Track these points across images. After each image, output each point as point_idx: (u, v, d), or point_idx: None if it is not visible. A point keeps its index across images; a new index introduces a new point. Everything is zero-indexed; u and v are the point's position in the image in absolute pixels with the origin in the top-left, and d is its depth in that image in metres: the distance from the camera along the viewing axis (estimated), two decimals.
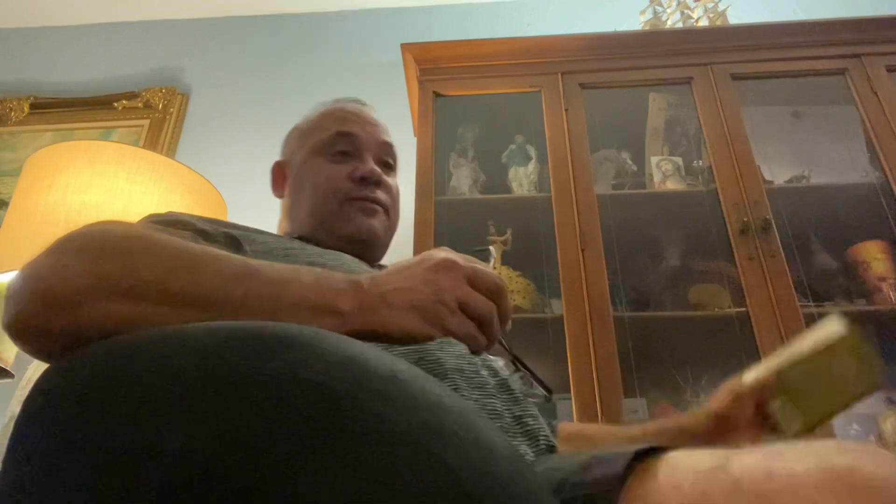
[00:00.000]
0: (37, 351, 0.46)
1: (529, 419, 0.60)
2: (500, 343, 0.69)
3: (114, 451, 0.33)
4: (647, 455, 0.43)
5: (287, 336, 0.38)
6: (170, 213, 0.71)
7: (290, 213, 0.93)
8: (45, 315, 0.44)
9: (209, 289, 0.47)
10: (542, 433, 0.60)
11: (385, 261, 0.99)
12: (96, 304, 0.44)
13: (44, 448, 0.36)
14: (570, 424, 0.84)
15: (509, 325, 0.56)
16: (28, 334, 0.46)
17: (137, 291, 0.45)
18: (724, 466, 0.37)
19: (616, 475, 0.42)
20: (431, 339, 0.51)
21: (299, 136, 0.96)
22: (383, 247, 0.91)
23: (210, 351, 0.36)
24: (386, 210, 0.89)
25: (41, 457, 0.36)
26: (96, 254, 0.48)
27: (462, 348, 0.65)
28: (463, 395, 0.58)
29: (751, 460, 0.37)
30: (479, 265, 0.55)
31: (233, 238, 0.70)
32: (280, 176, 0.97)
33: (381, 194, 0.88)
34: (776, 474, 0.35)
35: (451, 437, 0.34)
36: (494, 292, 0.53)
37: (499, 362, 0.73)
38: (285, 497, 0.31)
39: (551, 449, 0.60)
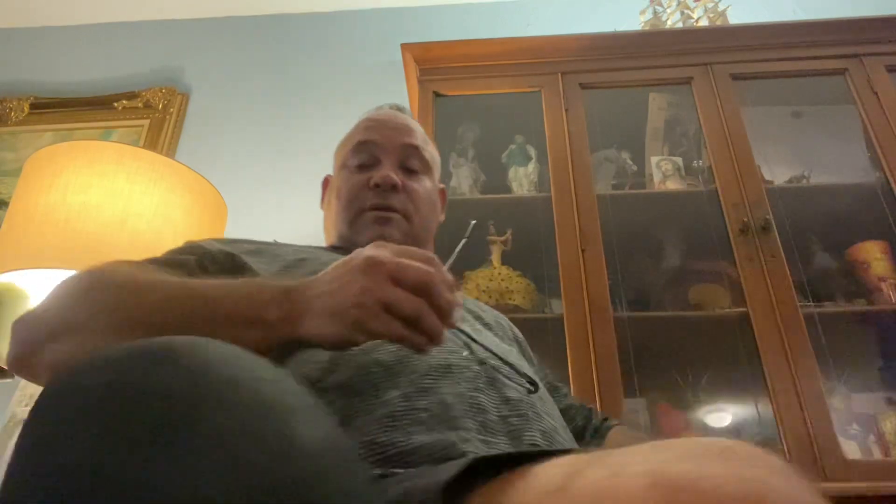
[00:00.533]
0: (37, 382, 0.60)
1: (515, 419, 0.59)
2: (471, 337, 0.68)
3: (28, 469, 0.37)
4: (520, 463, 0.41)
5: (155, 349, 0.40)
6: (186, 243, 0.79)
7: (327, 224, 0.96)
8: (26, 358, 0.59)
9: (151, 314, 0.55)
10: (527, 433, 0.59)
11: None
12: (62, 342, 0.56)
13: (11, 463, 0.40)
14: (622, 434, 0.82)
15: (458, 317, 0.54)
16: (22, 373, 0.61)
17: (91, 327, 0.55)
18: (566, 488, 0.35)
19: (437, 487, 0.39)
20: (355, 343, 0.52)
21: (337, 149, 0.99)
22: None
23: (113, 369, 0.40)
24: (407, 216, 0.87)
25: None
26: (68, 301, 0.60)
27: (450, 346, 0.65)
28: (444, 390, 0.58)
29: (594, 476, 0.34)
30: (405, 259, 0.53)
31: (228, 254, 0.75)
32: (325, 189, 1.02)
33: (396, 200, 0.87)
34: (607, 494, 0.32)
35: (257, 439, 0.36)
36: (421, 287, 0.52)
37: (512, 356, 0.72)
38: None
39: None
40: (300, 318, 0.53)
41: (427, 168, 0.94)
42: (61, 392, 0.40)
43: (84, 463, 0.35)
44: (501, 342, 0.77)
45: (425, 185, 0.92)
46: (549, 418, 0.64)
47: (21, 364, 0.61)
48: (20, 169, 1.37)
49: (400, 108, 1.00)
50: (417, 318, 0.51)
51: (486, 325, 0.80)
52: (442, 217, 1.01)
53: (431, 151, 0.98)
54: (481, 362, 0.65)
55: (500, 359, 0.66)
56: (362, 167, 0.91)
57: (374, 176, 0.87)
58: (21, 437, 0.41)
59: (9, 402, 1.29)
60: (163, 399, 0.37)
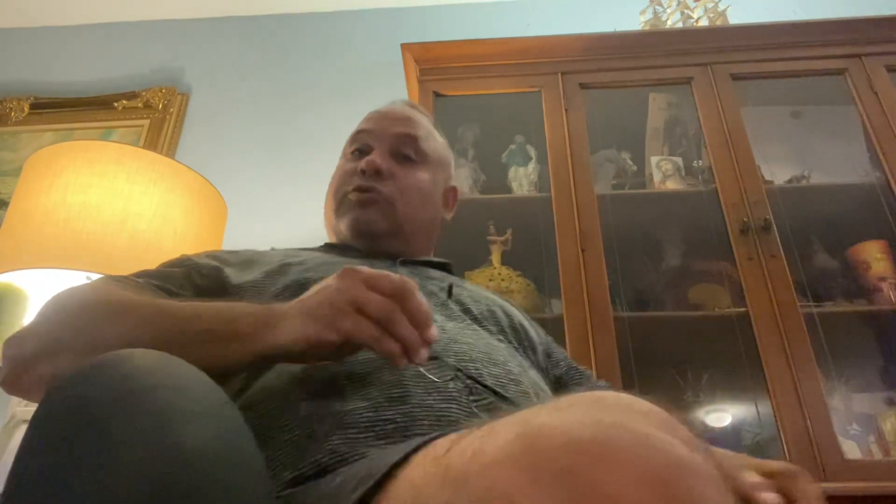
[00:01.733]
0: (28, 399, 0.64)
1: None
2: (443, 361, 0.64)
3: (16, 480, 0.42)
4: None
5: (90, 364, 0.45)
6: (180, 256, 0.81)
7: (325, 220, 0.96)
8: (14, 376, 0.62)
9: (127, 335, 0.57)
10: None
11: None
12: (47, 362, 0.59)
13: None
14: None
15: (432, 333, 0.55)
16: (13, 391, 0.64)
17: (74, 347, 0.58)
18: (448, 451, 0.36)
19: (380, 470, 0.40)
20: (330, 343, 0.53)
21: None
22: (402, 239, 0.88)
23: (59, 386, 0.45)
24: (391, 202, 0.86)
25: None
26: (55, 321, 0.63)
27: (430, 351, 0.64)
28: (414, 401, 0.57)
29: (471, 438, 0.35)
30: (382, 272, 0.55)
31: (214, 268, 0.76)
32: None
33: (380, 185, 0.86)
34: (478, 453, 0.33)
35: (147, 444, 0.39)
36: (395, 293, 0.53)
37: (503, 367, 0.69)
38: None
39: None
40: (276, 324, 0.55)
41: (425, 160, 0.92)
42: (36, 411, 0.44)
43: (27, 470, 0.41)
44: (491, 337, 0.74)
45: (418, 175, 0.90)
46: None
47: (11, 382, 0.63)
48: (20, 169, 1.37)
49: (412, 105, 1.00)
50: (389, 320, 0.52)
51: (476, 320, 0.76)
52: (448, 216, 0.99)
53: (436, 146, 0.96)
54: (460, 367, 0.62)
55: (476, 381, 0.63)
56: (355, 156, 0.92)
57: (361, 162, 0.88)
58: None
59: (9, 402, 1.29)
60: (79, 410, 0.41)
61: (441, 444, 0.38)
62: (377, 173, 0.86)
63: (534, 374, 0.74)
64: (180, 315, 0.58)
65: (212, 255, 0.81)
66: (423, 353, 0.54)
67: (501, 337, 0.77)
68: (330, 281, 0.56)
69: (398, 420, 0.55)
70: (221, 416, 0.44)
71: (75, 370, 0.44)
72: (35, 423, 0.43)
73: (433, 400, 0.58)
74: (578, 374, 0.87)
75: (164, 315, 0.59)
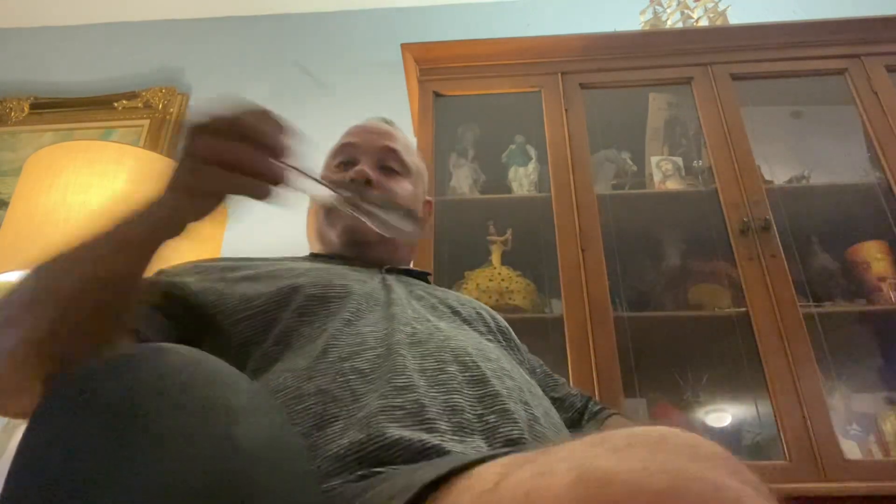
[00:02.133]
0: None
1: (492, 417, 0.59)
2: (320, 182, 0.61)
3: (22, 472, 0.41)
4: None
5: (129, 355, 0.44)
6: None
7: (308, 230, 0.98)
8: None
9: (64, 282, 0.55)
10: (502, 429, 0.59)
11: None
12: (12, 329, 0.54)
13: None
14: (620, 423, 0.82)
15: (294, 151, 0.53)
16: None
17: (24, 317, 0.55)
18: (497, 487, 0.34)
19: (415, 487, 0.40)
20: (210, 208, 0.53)
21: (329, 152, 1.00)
22: (389, 248, 0.91)
23: (89, 376, 0.43)
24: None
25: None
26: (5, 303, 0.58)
27: (427, 349, 0.65)
28: (420, 390, 0.58)
29: (522, 476, 0.33)
30: (224, 114, 0.52)
31: (171, 283, 0.73)
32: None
33: (372, 195, 0.88)
34: (532, 496, 0.31)
35: (197, 441, 0.38)
36: (243, 133, 0.51)
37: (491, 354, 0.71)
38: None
39: (512, 443, 0.59)
40: (163, 217, 0.54)
41: (408, 172, 0.96)
42: (48, 403, 0.43)
43: (58, 467, 0.39)
44: (481, 337, 0.76)
45: (403, 186, 0.94)
46: (529, 406, 0.64)
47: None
48: (20, 169, 1.37)
49: (387, 121, 1.02)
50: (245, 162, 0.50)
51: (466, 321, 0.79)
52: (424, 227, 1.02)
53: (415, 160, 0.99)
54: (459, 362, 0.64)
55: (475, 373, 0.65)
56: (340, 167, 0.93)
57: (349, 172, 0.90)
58: (21, 440, 0.43)
59: None
60: (117, 408, 0.40)
61: (487, 476, 0.37)
62: (367, 183, 0.88)
63: (524, 372, 0.75)
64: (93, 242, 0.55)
65: (182, 268, 0.79)
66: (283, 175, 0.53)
67: (490, 337, 0.80)
68: (180, 145, 0.53)
69: (407, 407, 0.56)
70: (268, 410, 0.44)
71: (101, 362, 0.43)
72: (59, 416, 0.41)
73: (437, 392, 0.59)
74: (553, 382, 0.90)
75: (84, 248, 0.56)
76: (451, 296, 0.85)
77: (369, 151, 0.93)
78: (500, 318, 0.88)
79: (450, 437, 0.55)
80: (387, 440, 0.52)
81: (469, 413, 0.59)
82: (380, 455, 0.52)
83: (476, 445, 0.56)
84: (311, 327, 0.68)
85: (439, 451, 0.53)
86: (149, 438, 0.38)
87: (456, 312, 0.80)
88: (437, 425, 0.56)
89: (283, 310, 0.70)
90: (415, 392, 0.58)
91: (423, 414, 0.56)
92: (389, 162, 0.94)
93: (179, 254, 0.69)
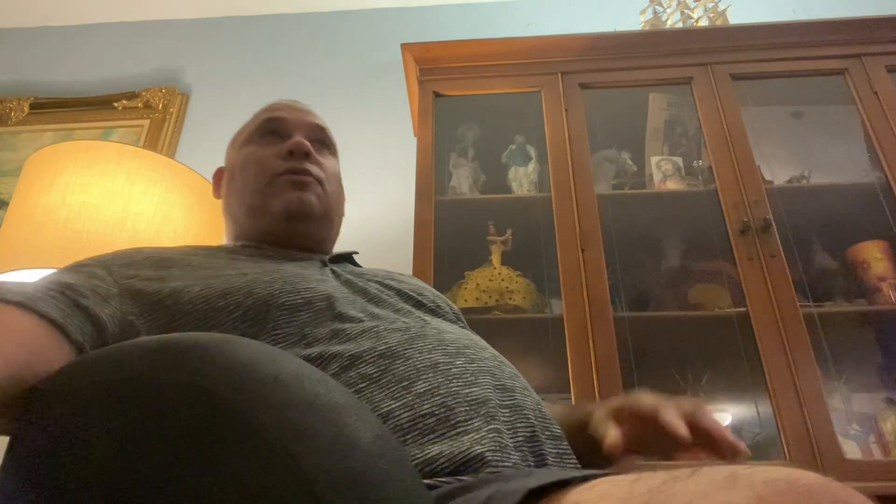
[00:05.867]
0: None
1: (508, 400, 0.60)
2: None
3: (48, 460, 0.38)
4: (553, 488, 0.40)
5: (192, 344, 0.41)
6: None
7: (229, 210, 0.91)
8: None
9: None
10: (524, 410, 0.60)
11: (381, 263, 0.98)
12: None
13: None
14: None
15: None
16: None
17: None
18: None
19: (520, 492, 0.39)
20: None
21: (234, 139, 0.97)
22: (326, 225, 0.88)
23: (132, 366, 0.40)
24: (321, 183, 0.86)
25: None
26: None
27: (431, 343, 0.63)
28: (442, 391, 0.57)
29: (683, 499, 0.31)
30: None
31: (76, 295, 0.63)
32: (218, 180, 0.98)
33: (312, 167, 0.85)
34: None
35: (312, 436, 0.36)
36: None
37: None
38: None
39: (530, 427, 0.59)
40: None
41: (334, 151, 0.95)
42: (70, 389, 0.40)
43: (111, 463, 0.36)
44: (455, 325, 0.75)
45: (332, 163, 0.92)
46: (527, 391, 0.65)
47: None
48: (20, 169, 1.37)
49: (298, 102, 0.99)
50: None
51: (432, 312, 0.76)
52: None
53: (335, 140, 0.97)
54: (458, 353, 0.63)
55: (480, 364, 0.64)
56: (271, 143, 0.88)
57: (287, 143, 0.86)
58: (25, 433, 0.41)
59: None
60: (201, 399, 0.37)
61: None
62: (306, 155, 0.85)
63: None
64: None
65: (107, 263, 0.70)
66: None
67: (461, 325, 0.79)
68: None
69: (437, 412, 0.55)
70: (365, 408, 0.42)
71: (136, 350, 0.40)
72: (93, 410, 0.38)
73: (457, 386, 0.58)
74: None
75: None
76: (407, 284, 0.81)
77: (300, 126, 0.90)
78: (450, 301, 0.86)
79: (485, 433, 0.54)
80: (427, 456, 0.51)
81: (494, 402, 0.58)
82: (423, 469, 0.51)
83: (505, 430, 0.56)
84: (288, 343, 0.63)
85: (481, 460, 0.52)
86: (250, 441, 0.35)
87: (420, 303, 0.77)
88: (471, 424, 0.55)
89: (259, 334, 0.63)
90: (437, 395, 0.57)
91: (453, 417, 0.55)
92: (321, 138, 0.92)
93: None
